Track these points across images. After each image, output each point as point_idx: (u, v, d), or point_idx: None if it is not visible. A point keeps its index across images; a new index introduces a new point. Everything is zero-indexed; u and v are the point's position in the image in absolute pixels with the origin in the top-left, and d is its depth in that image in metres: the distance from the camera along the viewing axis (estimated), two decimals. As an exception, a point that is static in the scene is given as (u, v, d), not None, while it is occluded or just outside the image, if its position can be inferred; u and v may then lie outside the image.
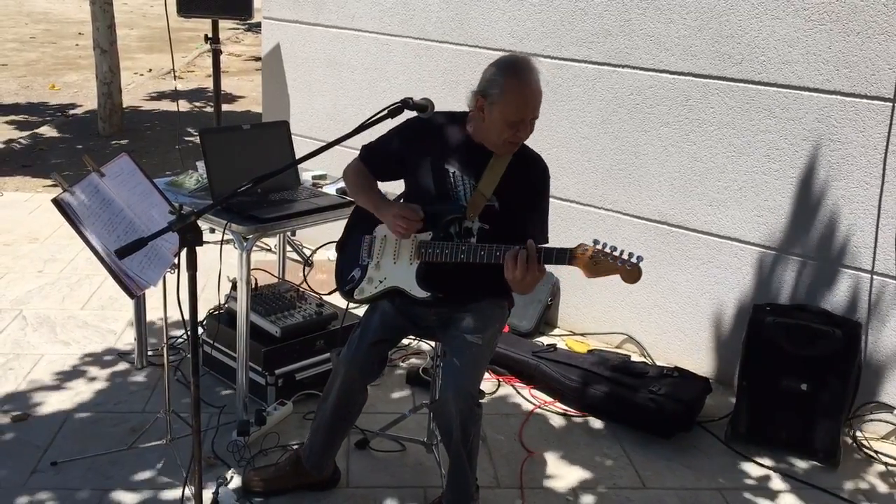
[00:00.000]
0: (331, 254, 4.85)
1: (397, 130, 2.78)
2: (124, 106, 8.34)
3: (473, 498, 2.73)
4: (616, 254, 2.33)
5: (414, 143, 2.75)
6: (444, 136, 2.72)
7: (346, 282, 2.85)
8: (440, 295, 2.67)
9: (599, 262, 2.34)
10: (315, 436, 2.87)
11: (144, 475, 2.98)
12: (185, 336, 3.87)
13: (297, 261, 4.96)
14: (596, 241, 2.36)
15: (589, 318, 4.26)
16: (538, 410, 3.60)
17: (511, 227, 2.64)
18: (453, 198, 2.68)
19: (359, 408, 2.86)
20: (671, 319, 4.00)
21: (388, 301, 2.77)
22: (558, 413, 3.58)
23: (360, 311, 2.98)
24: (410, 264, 2.69)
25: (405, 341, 3.92)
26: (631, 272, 2.31)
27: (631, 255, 2.33)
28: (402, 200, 2.84)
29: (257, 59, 11.44)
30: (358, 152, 2.87)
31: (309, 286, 3.89)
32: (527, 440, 3.37)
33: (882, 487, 3.22)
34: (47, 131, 8.06)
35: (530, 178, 2.71)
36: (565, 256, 2.39)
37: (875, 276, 3.44)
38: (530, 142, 2.67)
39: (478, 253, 2.52)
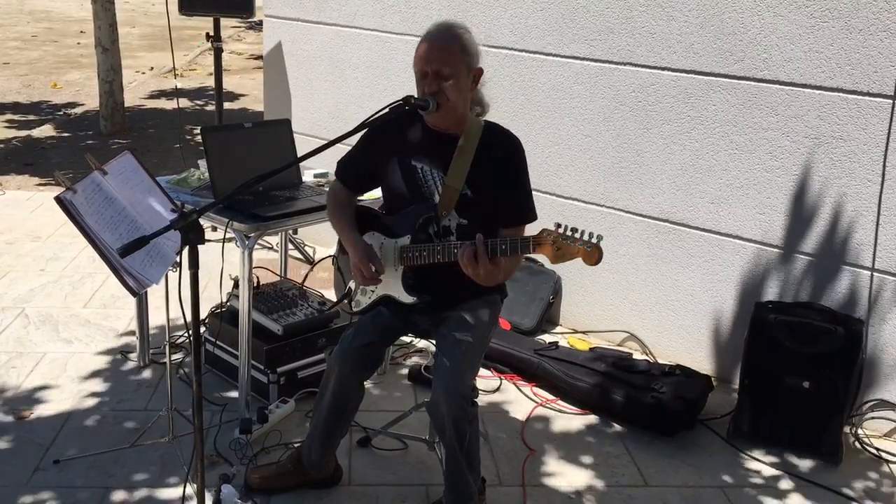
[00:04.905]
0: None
1: (361, 141, 2.77)
2: (126, 104, 8.34)
3: (474, 498, 2.69)
4: (577, 236, 2.27)
5: (378, 149, 2.74)
6: (406, 132, 2.69)
7: (344, 294, 2.87)
8: (427, 298, 2.65)
9: (562, 246, 2.27)
10: (313, 435, 2.87)
11: (147, 473, 2.98)
12: (187, 334, 3.87)
13: (298, 259, 4.97)
14: (558, 225, 2.30)
15: (591, 315, 4.26)
16: (540, 408, 3.60)
17: (490, 215, 2.57)
18: (425, 195, 2.65)
19: (355, 405, 2.86)
20: (673, 317, 4.00)
21: (384, 306, 2.76)
22: (560, 411, 3.58)
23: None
24: (396, 270, 2.68)
25: (406, 339, 3.92)
26: (590, 253, 2.25)
27: (591, 235, 2.27)
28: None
29: (259, 57, 11.44)
30: None
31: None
32: (529, 438, 3.37)
33: (884, 485, 3.22)
34: (49, 130, 8.07)
35: (499, 155, 2.63)
36: (529, 245, 2.34)
37: (875, 273, 3.43)
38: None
39: (453, 252, 2.48)
